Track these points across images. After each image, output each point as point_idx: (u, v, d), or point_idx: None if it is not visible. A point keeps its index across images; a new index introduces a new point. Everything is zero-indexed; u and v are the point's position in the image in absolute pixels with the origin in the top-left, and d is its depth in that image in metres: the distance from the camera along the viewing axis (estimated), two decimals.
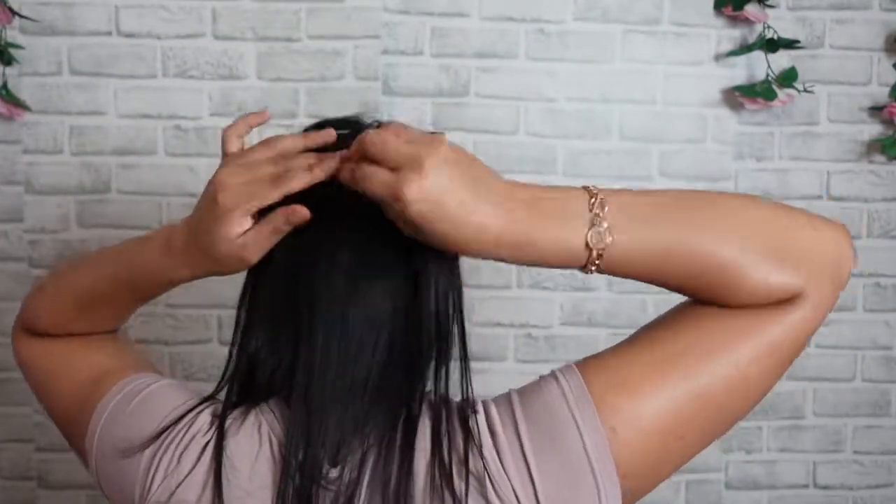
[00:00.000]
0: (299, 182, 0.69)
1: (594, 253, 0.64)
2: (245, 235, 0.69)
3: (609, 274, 0.67)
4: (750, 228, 0.65)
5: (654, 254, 0.65)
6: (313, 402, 0.67)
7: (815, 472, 1.61)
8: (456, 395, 0.71)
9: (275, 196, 0.69)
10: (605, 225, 0.64)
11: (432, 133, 0.66)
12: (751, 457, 1.60)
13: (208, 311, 1.52)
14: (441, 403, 0.69)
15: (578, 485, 0.64)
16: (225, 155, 0.75)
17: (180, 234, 0.75)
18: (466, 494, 0.64)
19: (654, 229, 0.65)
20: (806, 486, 1.61)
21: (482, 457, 0.65)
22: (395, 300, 0.69)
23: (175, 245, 0.75)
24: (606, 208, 0.64)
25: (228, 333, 1.51)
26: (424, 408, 0.69)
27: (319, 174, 0.69)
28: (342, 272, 0.69)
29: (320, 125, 0.76)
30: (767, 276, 0.64)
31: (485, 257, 0.66)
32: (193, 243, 0.73)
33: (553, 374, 0.69)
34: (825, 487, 1.61)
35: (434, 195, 0.62)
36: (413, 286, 0.70)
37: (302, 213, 0.68)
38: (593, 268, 0.65)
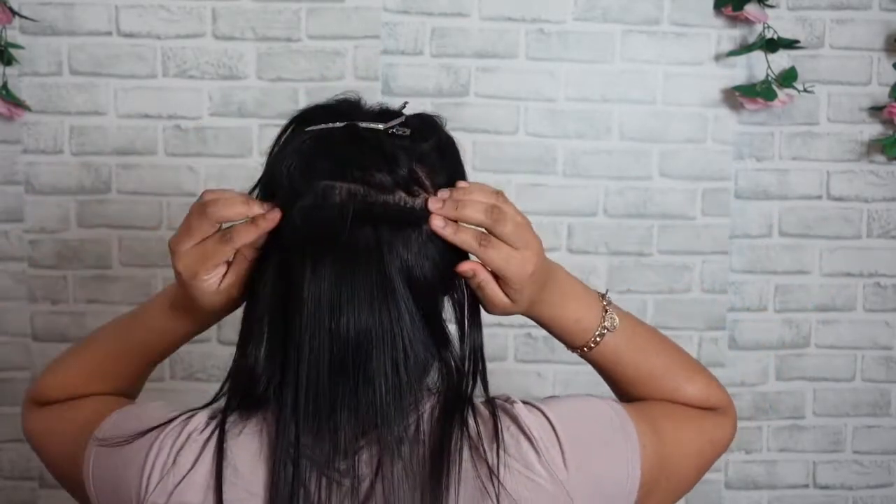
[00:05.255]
0: (248, 236, 0.71)
1: (598, 333, 0.79)
2: (224, 280, 0.73)
3: (590, 358, 0.82)
4: (692, 362, 0.86)
5: (633, 351, 0.82)
6: (303, 413, 0.68)
7: (814, 472, 1.61)
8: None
9: (228, 252, 0.72)
10: (614, 317, 0.80)
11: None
12: (751, 457, 1.60)
13: None
14: (457, 402, 0.71)
15: (615, 480, 0.71)
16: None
17: (179, 298, 0.79)
18: (499, 466, 0.68)
19: (636, 336, 0.82)
20: (806, 486, 1.61)
21: (532, 440, 0.69)
22: (380, 311, 0.69)
23: (177, 307, 0.80)
24: (611, 306, 0.80)
25: (228, 333, 1.51)
26: (441, 408, 0.71)
27: (266, 225, 0.70)
28: (325, 292, 0.68)
29: (318, 109, 0.76)
30: (701, 388, 0.84)
31: (522, 314, 0.78)
32: (190, 306, 0.77)
33: (589, 395, 0.77)
34: (825, 487, 1.61)
35: (539, 271, 0.74)
36: (394, 296, 0.69)
37: (273, 215, 0.70)
38: (592, 345, 0.80)
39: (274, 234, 0.72)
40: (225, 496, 0.67)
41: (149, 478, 0.68)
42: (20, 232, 1.50)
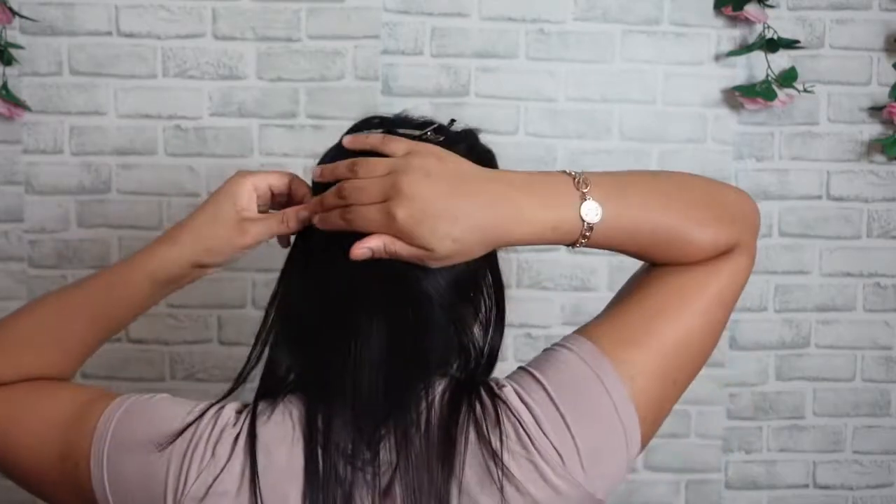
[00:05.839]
0: (300, 185, 0.80)
1: (585, 226, 0.71)
2: (247, 222, 0.77)
3: (591, 246, 0.74)
4: (694, 199, 0.76)
5: (628, 227, 0.73)
6: (326, 401, 0.70)
7: (814, 472, 1.61)
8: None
9: (283, 178, 0.80)
10: (594, 202, 0.71)
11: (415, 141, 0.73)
12: (751, 457, 1.60)
13: (208, 311, 1.52)
14: (466, 385, 0.73)
15: (609, 435, 0.71)
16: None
17: (178, 224, 0.80)
18: (502, 450, 0.69)
19: (627, 207, 0.73)
20: (806, 486, 1.61)
21: (522, 424, 0.70)
22: (392, 304, 0.72)
23: (171, 231, 0.81)
24: (589, 187, 0.71)
25: (229, 333, 1.51)
26: (451, 391, 0.73)
27: (301, 196, 0.80)
28: (340, 282, 0.72)
29: (371, 118, 0.80)
30: (713, 233, 0.75)
31: (497, 247, 0.73)
32: (196, 217, 0.79)
33: (561, 345, 0.75)
34: (825, 487, 1.61)
35: (420, 211, 0.66)
36: (407, 288, 0.72)
37: (302, 215, 0.76)
38: (583, 241, 0.72)
39: (302, 231, 0.78)
40: (261, 480, 0.68)
41: (187, 474, 0.69)
42: (20, 232, 1.50)
